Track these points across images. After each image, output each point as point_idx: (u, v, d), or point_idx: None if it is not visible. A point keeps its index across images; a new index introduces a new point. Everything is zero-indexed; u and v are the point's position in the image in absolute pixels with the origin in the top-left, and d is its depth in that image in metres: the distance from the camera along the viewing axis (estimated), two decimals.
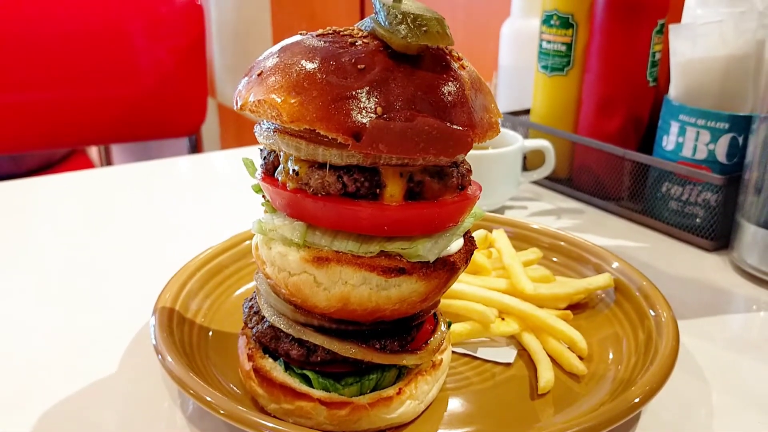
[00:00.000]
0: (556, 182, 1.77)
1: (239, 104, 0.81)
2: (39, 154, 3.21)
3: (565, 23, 1.65)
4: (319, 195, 0.79)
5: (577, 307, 1.16)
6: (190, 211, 1.70)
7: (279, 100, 0.74)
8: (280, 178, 0.83)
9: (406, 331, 0.89)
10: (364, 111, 0.73)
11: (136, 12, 2.83)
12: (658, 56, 1.62)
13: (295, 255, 0.81)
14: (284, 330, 0.88)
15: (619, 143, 1.62)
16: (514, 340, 1.09)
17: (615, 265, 1.20)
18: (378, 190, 0.78)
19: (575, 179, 1.74)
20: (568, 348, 1.04)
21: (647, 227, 1.57)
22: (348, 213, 0.78)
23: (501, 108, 1.69)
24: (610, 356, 1.04)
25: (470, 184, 0.88)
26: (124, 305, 1.19)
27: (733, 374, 1.05)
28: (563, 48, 1.67)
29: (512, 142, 1.60)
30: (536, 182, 1.79)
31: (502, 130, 1.68)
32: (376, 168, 0.78)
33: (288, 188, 0.81)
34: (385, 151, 0.74)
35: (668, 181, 1.51)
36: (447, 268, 0.84)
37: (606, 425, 0.82)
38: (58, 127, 2.81)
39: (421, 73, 0.77)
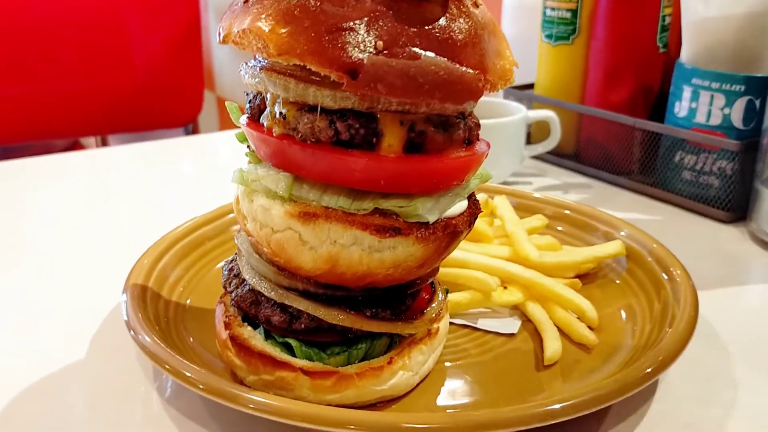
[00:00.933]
0: (561, 157, 1.68)
1: (222, 36, 0.72)
2: (36, 147, 3.15)
3: None
4: (309, 142, 0.70)
5: (586, 278, 1.08)
6: (186, 192, 1.62)
7: (266, 30, 0.65)
8: (265, 123, 0.74)
9: (400, 300, 0.81)
10: (362, 45, 0.64)
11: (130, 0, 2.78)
12: (668, 21, 1.54)
13: (279, 209, 0.73)
14: (266, 294, 0.80)
15: (628, 113, 1.54)
16: (517, 310, 1.00)
17: (625, 232, 1.12)
18: (374, 139, 0.69)
19: (582, 153, 1.66)
20: (577, 318, 0.96)
21: (660, 200, 1.49)
22: (340, 164, 0.70)
23: None
24: (623, 326, 0.96)
25: (478, 140, 0.79)
26: (102, 286, 1.11)
27: (755, 346, 0.97)
28: (568, 15, 1.59)
29: (515, 113, 1.52)
30: (541, 158, 1.71)
31: (504, 101, 1.61)
32: (373, 114, 0.69)
33: (274, 134, 0.72)
34: (384, 92, 0.65)
35: (681, 150, 1.42)
36: (448, 232, 0.75)
37: (615, 396, 0.74)
38: (53, 117, 2.75)
39: (429, 6, 0.68)
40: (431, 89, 0.66)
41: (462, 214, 0.78)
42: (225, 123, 4.06)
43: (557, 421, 0.70)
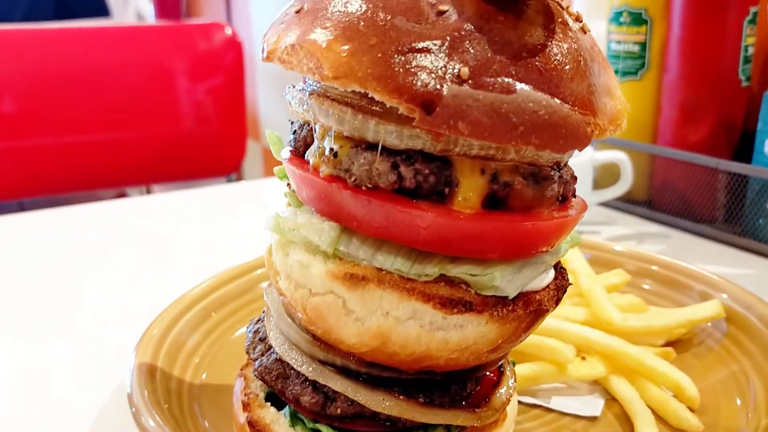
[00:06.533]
0: (632, 204, 1.52)
1: (266, 51, 0.59)
2: (81, 197, 3.14)
3: (638, 19, 1.43)
4: (364, 188, 0.56)
5: (677, 345, 0.91)
6: (219, 241, 1.51)
7: (322, 45, 0.52)
8: (312, 161, 0.60)
9: (461, 384, 0.66)
10: (441, 71, 0.51)
11: (175, 50, 2.77)
12: (751, 51, 1.38)
13: (320, 267, 0.59)
14: (296, 368, 0.65)
15: (709, 154, 1.37)
16: (599, 386, 0.84)
17: (724, 295, 0.94)
18: (447, 190, 0.55)
19: (656, 200, 1.49)
20: (673, 396, 0.78)
21: (749, 251, 1.31)
22: (402, 217, 0.55)
23: None
24: (730, 406, 0.79)
25: (574, 196, 0.64)
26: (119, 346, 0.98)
27: None
28: (636, 48, 1.45)
29: (580, 154, 1.36)
30: (609, 205, 1.54)
31: None
32: (447, 158, 0.55)
33: (321, 174, 0.58)
34: (467, 132, 0.51)
35: None
36: (531, 310, 0.60)
37: None
38: (99, 167, 2.74)
39: (527, 27, 0.55)
40: (526, 133, 0.52)
41: (547, 287, 0.63)
42: (270, 173, 3.99)
43: None
